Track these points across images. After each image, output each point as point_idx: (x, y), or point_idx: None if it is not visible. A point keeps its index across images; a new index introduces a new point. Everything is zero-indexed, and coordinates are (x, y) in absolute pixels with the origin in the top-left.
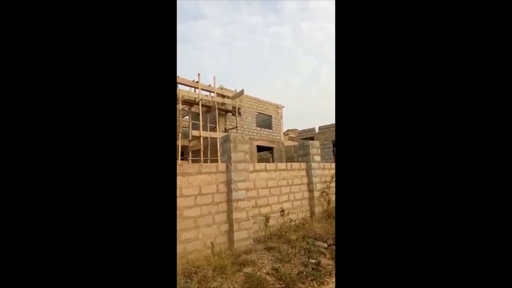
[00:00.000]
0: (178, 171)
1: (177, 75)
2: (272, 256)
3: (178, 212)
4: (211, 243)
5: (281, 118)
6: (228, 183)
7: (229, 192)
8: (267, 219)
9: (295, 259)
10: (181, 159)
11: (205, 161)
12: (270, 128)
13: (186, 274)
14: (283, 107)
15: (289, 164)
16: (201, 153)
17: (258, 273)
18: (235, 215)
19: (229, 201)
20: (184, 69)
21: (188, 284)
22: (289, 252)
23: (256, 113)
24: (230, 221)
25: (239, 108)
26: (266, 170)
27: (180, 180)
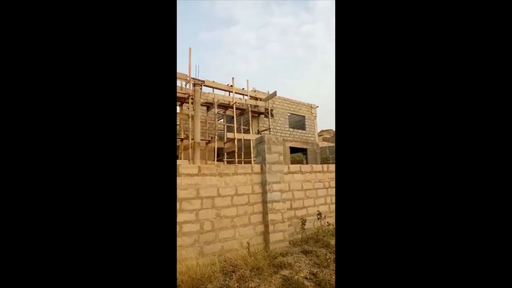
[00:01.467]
0: (216, 171)
1: (213, 80)
2: (310, 260)
3: (216, 211)
4: (248, 243)
5: (315, 119)
6: (263, 184)
7: (264, 193)
8: (303, 221)
9: (334, 264)
10: (217, 160)
11: (239, 162)
12: (304, 129)
13: (225, 272)
14: (317, 107)
15: (325, 166)
16: (235, 154)
17: (296, 276)
18: (270, 216)
19: (264, 202)
20: (219, 75)
21: (227, 282)
22: (328, 257)
23: (288, 114)
24: (265, 222)
25: (271, 110)
26: (301, 172)
27: (218, 180)
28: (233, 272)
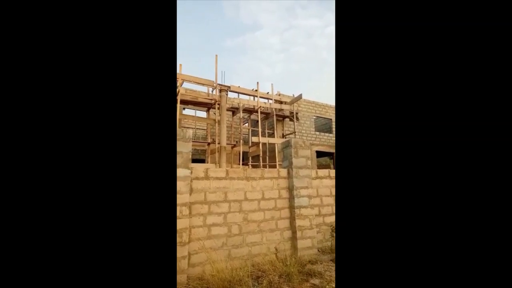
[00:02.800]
0: (243, 175)
1: (238, 85)
2: None
3: (243, 215)
4: (275, 248)
5: None
6: (290, 189)
7: (291, 198)
8: (333, 229)
9: None
10: (242, 164)
11: (264, 166)
12: (331, 132)
13: (254, 277)
14: None
15: None
16: (260, 158)
17: (327, 286)
18: (298, 222)
19: (291, 207)
20: (244, 80)
21: (256, 287)
22: None
23: (314, 117)
24: (293, 228)
25: (296, 113)
26: (330, 177)
27: (244, 184)
28: (261, 277)
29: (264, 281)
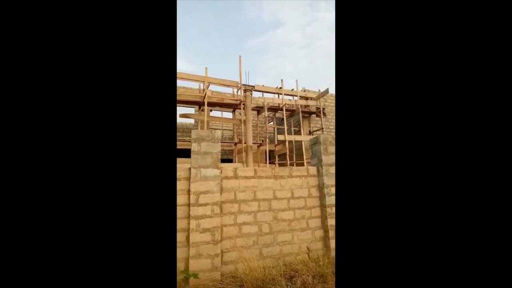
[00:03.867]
0: (271, 174)
1: (262, 84)
2: None
3: (273, 214)
4: (307, 247)
5: None
6: (320, 187)
7: (322, 196)
8: None
9: None
10: (269, 163)
11: (291, 164)
12: None
13: (287, 276)
14: None
15: None
16: (287, 156)
17: None
18: (330, 221)
19: (322, 206)
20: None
21: (290, 287)
22: None
23: None
24: (324, 227)
25: (323, 109)
26: None
27: (273, 183)
28: (294, 277)
29: (298, 281)
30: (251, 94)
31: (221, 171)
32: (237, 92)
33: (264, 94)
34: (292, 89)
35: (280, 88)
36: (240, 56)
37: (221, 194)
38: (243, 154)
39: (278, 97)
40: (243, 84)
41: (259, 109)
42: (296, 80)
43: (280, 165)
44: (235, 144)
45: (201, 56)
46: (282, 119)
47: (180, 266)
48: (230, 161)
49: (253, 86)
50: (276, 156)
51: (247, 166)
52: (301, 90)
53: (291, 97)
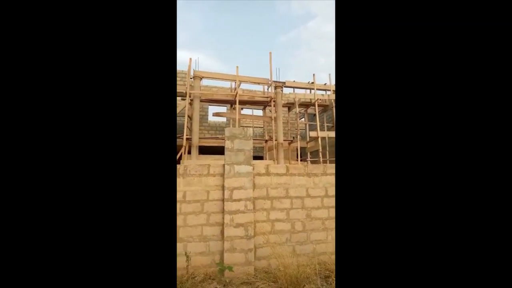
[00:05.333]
0: (303, 171)
1: (293, 80)
2: None
3: (306, 212)
4: None
5: None
6: None
7: None
8: None
9: None
10: (300, 160)
11: (324, 161)
12: None
13: (321, 276)
14: None
15: None
16: (320, 153)
17: None
18: None
19: None
20: (299, 73)
21: (325, 287)
22: None
23: None
24: None
25: None
26: None
27: (306, 181)
28: (329, 277)
29: (333, 281)
30: (282, 91)
31: (254, 168)
32: (267, 89)
33: (295, 89)
34: (325, 84)
35: (312, 83)
36: (270, 52)
37: (253, 190)
38: (274, 151)
39: (310, 92)
40: (274, 81)
41: (290, 106)
42: (329, 74)
43: (313, 162)
44: (266, 141)
45: (233, 54)
46: (314, 115)
47: (215, 258)
48: (260, 158)
49: (284, 83)
50: (308, 153)
51: (278, 163)
52: (334, 84)
53: (323, 92)
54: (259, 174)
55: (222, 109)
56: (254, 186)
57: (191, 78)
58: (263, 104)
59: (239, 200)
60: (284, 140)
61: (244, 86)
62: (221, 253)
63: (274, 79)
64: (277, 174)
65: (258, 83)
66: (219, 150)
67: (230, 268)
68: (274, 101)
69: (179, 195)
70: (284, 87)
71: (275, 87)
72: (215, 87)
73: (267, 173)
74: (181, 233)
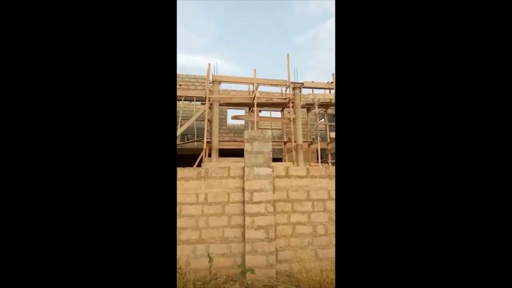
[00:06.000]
0: (325, 173)
1: (312, 80)
2: None
3: (328, 215)
4: None
5: None
6: None
7: None
8: None
9: None
10: (321, 162)
11: None
12: None
13: None
14: None
15: None
16: None
17: None
18: None
19: None
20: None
21: None
22: None
23: None
24: None
25: None
26: None
27: (327, 183)
28: None
29: None
30: (300, 92)
31: (273, 170)
32: (285, 90)
33: (314, 90)
34: None
35: (332, 82)
36: (288, 54)
37: (273, 192)
38: (293, 153)
39: (330, 92)
40: (292, 82)
41: (309, 106)
42: None
43: (334, 164)
44: (285, 143)
45: (250, 57)
46: (334, 115)
47: (237, 260)
48: (279, 160)
49: (302, 83)
50: (329, 155)
51: (297, 165)
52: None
53: None
54: (279, 177)
55: (241, 112)
56: (274, 189)
57: (210, 83)
58: (281, 105)
59: (259, 202)
60: (303, 142)
61: (262, 88)
62: (242, 255)
63: (292, 80)
64: (298, 177)
65: (276, 85)
66: (238, 153)
67: (252, 271)
68: (292, 102)
69: (201, 197)
70: (303, 87)
71: (293, 88)
72: (234, 90)
73: (287, 176)
74: (203, 234)
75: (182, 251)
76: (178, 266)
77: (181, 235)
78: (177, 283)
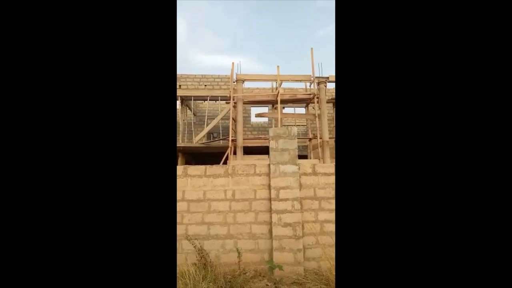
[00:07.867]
0: None
1: (328, 75)
2: None
3: None
4: None
5: None
6: None
7: None
8: None
9: None
10: None
11: None
12: None
13: None
14: None
15: None
16: None
17: None
18: None
19: None
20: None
21: None
22: None
23: None
24: None
25: None
26: None
27: None
28: None
29: None
30: (326, 86)
31: (299, 167)
32: (310, 86)
33: (328, 84)
34: None
35: None
36: (312, 48)
37: (300, 190)
38: (319, 149)
39: None
40: (316, 77)
41: (334, 101)
42: None
43: None
44: (310, 139)
45: (274, 53)
46: None
47: (264, 256)
48: (305, 157)
49: (327, 78)
50: None
51: (323, 162)
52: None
53: None
54: (305, 174)
55: (264, 109)
56: (301, 186)
57: (234, 82)
58: (306, 101)
59: (286, 199)
60: (329, 138)
61: (285, 85)
62: (270, 252)
63: (316, 74)
64: (325, 174)
65: (300, 81)
66: (262, 150)
67: (280, 267)
68: (317, 97)
69: (229, 194)
70: (328, 82)
71: (318, 83)
72: (257, 88)
73: (314, 173)
74: (231, 230)
75: (212, 246)
76: (209, 259)
77: (210, 230)
78: (209, 276)
